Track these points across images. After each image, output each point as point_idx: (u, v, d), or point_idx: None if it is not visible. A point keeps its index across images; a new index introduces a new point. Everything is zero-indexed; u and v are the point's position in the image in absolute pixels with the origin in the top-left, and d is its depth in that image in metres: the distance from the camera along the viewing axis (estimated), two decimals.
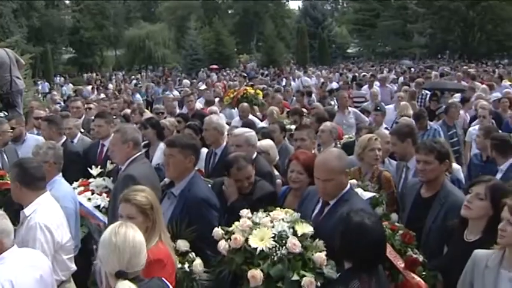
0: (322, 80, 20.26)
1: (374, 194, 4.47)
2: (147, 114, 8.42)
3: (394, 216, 4.46)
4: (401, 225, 4.24)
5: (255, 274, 3.34)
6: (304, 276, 3.32)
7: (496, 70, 25.92)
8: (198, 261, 3.72)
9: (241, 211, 3.84)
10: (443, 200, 4.25)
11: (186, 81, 24.31)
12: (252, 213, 3.79)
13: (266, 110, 10.27)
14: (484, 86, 14.30)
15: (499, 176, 5.39)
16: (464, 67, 29.34)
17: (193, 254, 3.79)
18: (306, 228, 3.54)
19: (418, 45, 57.69)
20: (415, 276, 3.73)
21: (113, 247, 2.77)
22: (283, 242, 3.43)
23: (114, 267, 2.76)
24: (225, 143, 6.22)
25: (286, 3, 75.61)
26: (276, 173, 5.77)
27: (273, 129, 7.10)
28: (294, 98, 13.84)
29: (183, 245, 3.81)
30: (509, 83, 17.17)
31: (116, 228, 2.85)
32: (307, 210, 3.92)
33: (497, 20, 51.76)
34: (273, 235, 3.48)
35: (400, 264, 3.78)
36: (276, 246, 3.41)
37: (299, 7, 73.62)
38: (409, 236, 3.99)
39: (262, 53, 58.57)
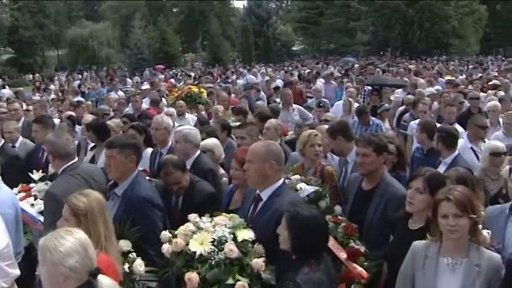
0: (267, 78, 20.34)
1: (317, 187, 4.57)
2: (88, 116, 8.22)
3: (338, 208, 4.59)
4: (344, 218, 4.37)
5: (191, 277, 3.40)
6: (239, 280, 3.38)
7: (436, 66, 26.82)
8: (138, 262, 3.68)
9: (189, 215, 3.86)
10: (383, 191, 4.38)
11: (129, 81, 23.96)
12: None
13: (211, 109, 10.30)
14: (423, 81, 14.82)
15: (443, 168, 5.51)
16: (405, 63, 30.18)
17: (134, 254, 3.76)
18: (246, 234, 3.59)
19: (361, 42, 58.90)
20: (357, 266, 3.88)
21: (70, 250, 2.58)
22: (222, 247, 3.48)
23: (83, 270, 2.59)
24: (170, 143, 6.21)
25: (231, 1, 75.81)
26: (222, 171, 5.82)
27: (215, 128, 7.12)
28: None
29: (124, 245, 3.77)
30: (451, 78, 17.81)
31: (59, 234, 2.66)
32: (246, 208, 4.00)
33: (435, 18, 53.48)
34: (213, 240, 3.52)
35: (343, 255, 3.91)
36: (214, 250, 3.46)
37: (244, 5, 73.80)
38: (351, 228, 4.12)
39: (207, 51, 58.46)
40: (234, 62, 52.16)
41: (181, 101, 10.35)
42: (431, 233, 3.29)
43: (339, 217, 4.35)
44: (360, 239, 4.14)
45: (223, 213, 3.85)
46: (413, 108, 9.70)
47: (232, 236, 3.58)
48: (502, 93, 12.48)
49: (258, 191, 3.88)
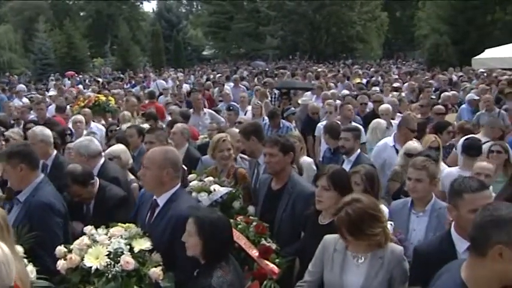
0: (178, 82, 20.23)
1: (230, 188, 4.69)
2: None
3: (251, 209, 4.75)
4: (255, 217, 4.50)
5: None
6: None
7: (340, 70, 27.86)
8: (29, 268, 3.50)
9: (85, 228, 3.78)
10: (291, 190, 4.57)
11: (21, 86, 22.67)
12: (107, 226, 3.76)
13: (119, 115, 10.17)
14: (330, 83, 15.40)
15: (348, 166, 5.79)
16: (314, 67, 31.07)
17: (25, 260, 3.56)
18: (143, 244, 3.56)
19: (271, 46, 59.93)
20: (269, 263, 4.00)
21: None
22: (118, 259, 3.43)
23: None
24: (54, 153, 5.99)
25: (141, 5, 74.35)
26: (132, 176, 5.79)
27: (130, 133, 7.06)
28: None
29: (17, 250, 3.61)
30: (358, 80, 18.59)
31: None
32: (143, 215, 3.97)
33: (341, 24, 55.57)
34: (108, 253, 3.46)
35: (255, 253, 4.03)
36: (110, 264, 3.41)
37: (154, 10, 73.02)
38: (262, 227, 4.25)
39: (117, 56, 56.86)
40: (143, 67, 51.29)
41: (87, 109, 10.01)
42: None
43: (250, 217, 4.48)
44: (271, 237, 4.27)
45: (120, 224, 3.77)
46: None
47: (128, 247, 3.53)
48: (403, 94, 13.27)
49: (154, 197, 3.86)
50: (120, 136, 6.89)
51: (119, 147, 5.96)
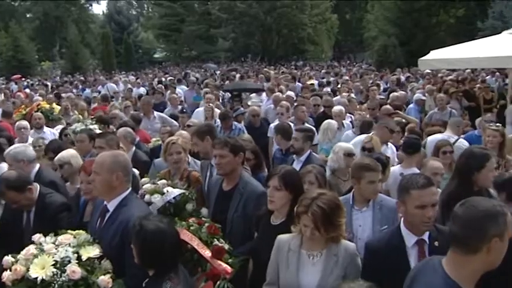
0: (129, 86, 19.94)
1: (183, 190, 4.68)
2: None
3: (204, 211, 4.75)
4: (207, 218, 4.51)
5: None
6: None
7: (294, 71, 28.15)
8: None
9: (33, 236, 3.71)
10: (243, 190, 4.62)
11: None
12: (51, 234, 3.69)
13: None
14: (282, 86, 15.54)
15: (298, 166, 5.86)
16: (265, 69, 31.25)
17: None
18: (92, 252, 3.51)
19: (223, 49, 59.98)
20: (222, 263, 4.00)
21: None
22: (65, 268, 3.37)
23: None
24: None
25: (90, 7, 73.00)
26: None
27: (81, 138, 6.93)
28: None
29: None
30: (312, 81, 18.81)
31: None
32: (94, 220, 3.94)
33: (292, 26, 56.14)
34: (54, 262, 3.40)
35: (208, 254, 4.03)
36: (56, 273, 3.34)
37: (103, 12, 71.85)
38: (215, 228, 4.26)
39: (66, 59, 55.61)
40: (94, 70, 50.40)
41: (39, 113, 9.75)
42: (295, 226, 3.52)
43: (203, 219, 4.49)
44: (223, 237, 4.28)
45: (69, 231, 3.71)
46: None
47: (76, 255, 3.47)
48: (352, 95, 13.55)
49: (105, 202, 3.82)
50: (70, 141, 6.77)
51: (68, 153, 5.83)
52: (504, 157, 6.38)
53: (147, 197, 4.54)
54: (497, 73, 20.71)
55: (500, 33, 12.50)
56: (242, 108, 10.78)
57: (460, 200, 4.09)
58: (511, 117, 10.05)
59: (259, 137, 8.60)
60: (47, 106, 11.09)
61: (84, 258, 3.45)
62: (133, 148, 6.87)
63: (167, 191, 4.60)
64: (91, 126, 7.83)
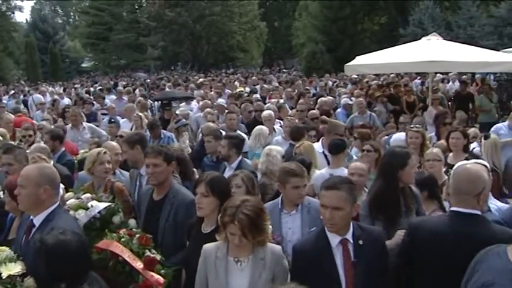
0: (56, 96, 19.32)
1: (109, 203, 4.58)
2: None
3: (132, 222, 4.65)
4: (138, 229, 4.44)
5: None
6: None
7: (224, 79, 28.27)
8: None
9: None
10: (173, 199, 4.59)
11: None
12: None
13: None
14: (212, 93, 15.59)
15: (228, 173, 5.86)
16: (195, 77, 31.23)
17: None
18: (13, 269, 3.39)
19: (152, 57, 59.33)
20: (154, 274, 3.96)
21: None
22: None
23: None
24: None
25: (12, 15, 70.05)
26: None
27: None
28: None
29: None
30: (241, 89, 18.94)
31: None
32: (20, 236, 3.83)
33: (221, 34, 56.37)
34: None
35: (139, 265, 3.98)
36: None
37: (27, 20, 69.25)
38: (146, 238, 4.21)
39: None
40: (18, 80, 48.51)
41: None
42: (219, 234, 3.52)
43: (133, 230, 4.43)
44: (155, 247, 4.22)
45: None
46: None
47: None
48: (281, 101, 13.76)
49: (31, 217, 3.70)
50: None
51: None
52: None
53: (71, 213, 4.40)
54: (419, 77, 21.70)
55: (420, 39, 13.10)
56: (184, 120, 10.70)
57: (386, 199, 4.33)
58: (430, 118, 10.51)
59: None
60: None
61: (4, 275, 3.32)
62: (52, 162, 6.62)
63: (91, 206, 4.48)
64: None
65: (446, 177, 5.45)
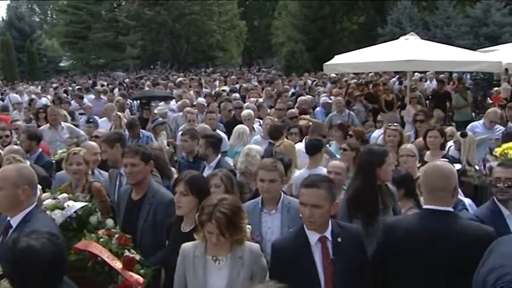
0: (33, 96, 19.02)
1: (86, 203, 4.54)
2: None
3: (109, 222, 4.59)
4: (117, 229, 4.42)
5: None
6: None
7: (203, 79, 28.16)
8: None
9: None
10: (152, 199, 4.59)
11: None
12: None
13: None
14: (191, 92, 15.54)
15: (208, 172, 5.82)
16: (174, 76, 31.10)
17: None
18: None
19: (131, 56, 58.76)
20: (133, 274, 3.96)
21: None
22: None
23: None
24: None
25: None
26: None
27: None
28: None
29: None
30: (224, 88, 18.93)
31: None
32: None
33: (201, 33, 56.26)
34: None
35: (118, 265, 3.97)
36: None
37: (3, 18, 68.21)
38: (125, 238, 4.20)
39: None
40: None
41: None
42: (197, 233, 3.53)
43: (112, 230, 4.41)
44: (134, 247, 4.21)
45: None
46: None
47: None
48: (260, 100, 13.79)
49: (8, 218, 3.65)
50: None
51: None
52: None
53: (48, 213, 4.36)
54: (397, 76, 21.90)
55: (398, 38, 13.25)
56: (161, 119, 10.65)
57: (364, 197, 4.37)
58: (408, 117, 10.64)
59: None
60: None
61: None
62: (28, 162, 6.55)
63: (68, 205, 4.43)
64: None
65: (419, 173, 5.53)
